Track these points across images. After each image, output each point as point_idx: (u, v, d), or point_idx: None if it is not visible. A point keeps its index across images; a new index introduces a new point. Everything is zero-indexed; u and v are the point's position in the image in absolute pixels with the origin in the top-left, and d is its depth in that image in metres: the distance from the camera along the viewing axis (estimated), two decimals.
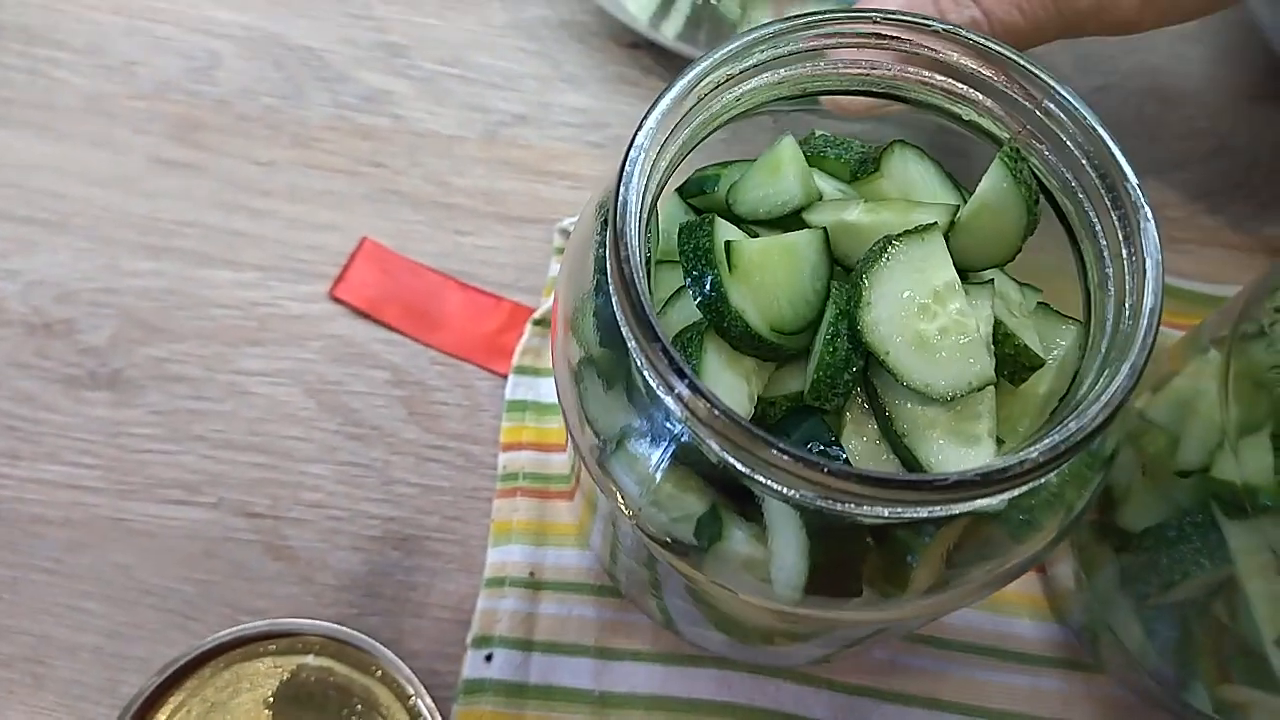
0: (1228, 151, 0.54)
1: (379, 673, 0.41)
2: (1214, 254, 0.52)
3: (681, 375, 0.24)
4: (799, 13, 0.28)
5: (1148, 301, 0.25)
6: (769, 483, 0.24)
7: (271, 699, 0.41)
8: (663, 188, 0.29)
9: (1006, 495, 0.24)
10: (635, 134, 0.26)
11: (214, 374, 0.48)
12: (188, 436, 0.46)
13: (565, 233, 0.51)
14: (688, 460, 0.28)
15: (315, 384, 0.48)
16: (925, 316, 0.26)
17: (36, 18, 0.56)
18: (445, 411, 0.47)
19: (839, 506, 0.24)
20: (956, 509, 0.24)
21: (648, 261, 0.28)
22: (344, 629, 0.41)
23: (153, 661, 0.42)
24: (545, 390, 0.47)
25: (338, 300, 0.49)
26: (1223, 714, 0.39)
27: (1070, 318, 0.30)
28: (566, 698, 0.41)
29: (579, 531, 0.44)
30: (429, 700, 0.40)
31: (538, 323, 0.48)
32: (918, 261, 0.27)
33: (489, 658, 0.42)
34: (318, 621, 0.41)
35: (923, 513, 0.24)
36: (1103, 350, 0.26)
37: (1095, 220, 0.28)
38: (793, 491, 0.24)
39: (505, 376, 0.48)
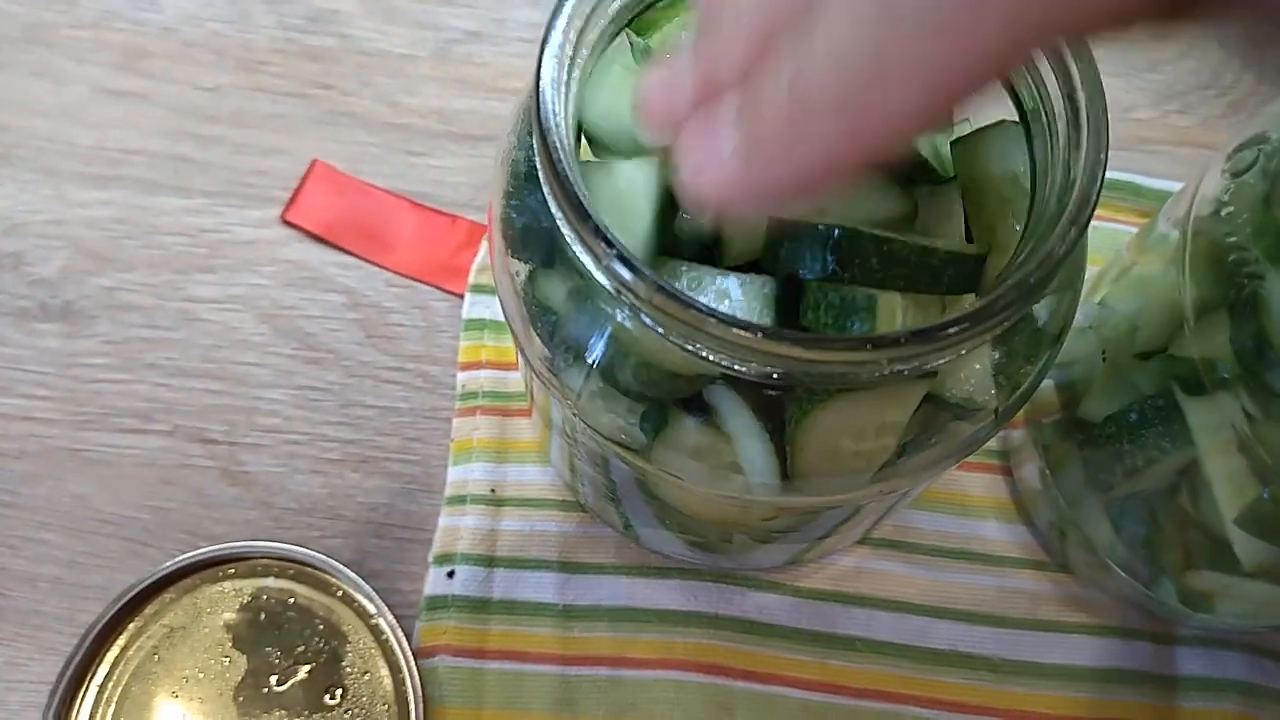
0: (1197, 51, 0.53)
1: (340, 593, 0.40)
2: (1186, 154, 0.51)
3: (609, 244, 0.23)
4: None
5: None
6: (707, 358, 0.24)
7: (232, 623, 0.40)
8: (595, 60, 0.27)
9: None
10: None
11: (165, 302, 0.47)
12: (141, 365, 0.46)
13: None
14: (627, 350, 0.27)
15: (269, 309, 0.47)
16: None
17: None
18: (402, 333, 0.46)
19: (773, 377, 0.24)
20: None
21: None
22: (303, 550, 0.40)
23: (112, 590, 0.41)
24: None
25: (290, 224, 0.48)
26: (1189, 604, 0.38)
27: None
28: (531, 611, 0.41)
29: (540, 448, 0.43)
30: (391, 618, 0.40)
31: None
32: None
33: (451, 574, 0.41)
34: (276, 544, 0.41)
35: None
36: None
37: None
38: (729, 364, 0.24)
39: (462, 296, 0.47)
